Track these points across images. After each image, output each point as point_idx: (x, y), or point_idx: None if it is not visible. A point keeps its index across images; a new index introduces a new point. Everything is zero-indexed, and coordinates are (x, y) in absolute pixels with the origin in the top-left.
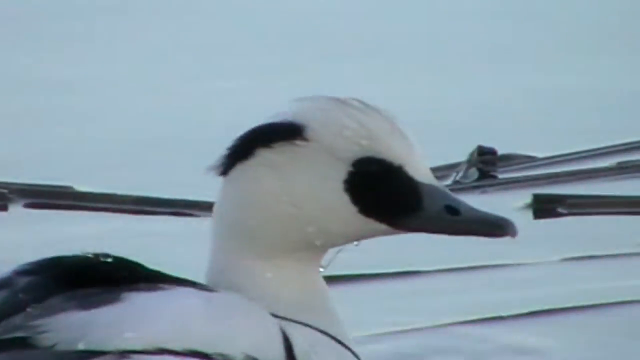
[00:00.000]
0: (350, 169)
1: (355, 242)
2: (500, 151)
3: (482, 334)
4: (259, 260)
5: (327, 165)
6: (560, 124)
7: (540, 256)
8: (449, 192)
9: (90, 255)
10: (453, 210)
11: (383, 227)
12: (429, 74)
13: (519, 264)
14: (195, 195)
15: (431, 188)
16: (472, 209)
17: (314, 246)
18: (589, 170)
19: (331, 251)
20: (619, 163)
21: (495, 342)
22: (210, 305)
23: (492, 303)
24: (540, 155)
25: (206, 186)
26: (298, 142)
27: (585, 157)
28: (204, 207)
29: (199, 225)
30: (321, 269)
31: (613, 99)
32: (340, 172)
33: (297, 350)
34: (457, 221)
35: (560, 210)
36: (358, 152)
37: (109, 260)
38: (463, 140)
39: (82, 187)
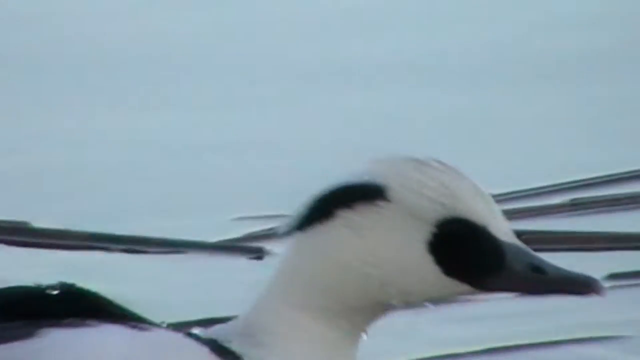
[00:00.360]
0: (434, 229)
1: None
2: None
3: None
4: (314, 315)
5: (409, 226)
6: (515, 160)
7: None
8: (532, 251)
9: (35, 286)
10: (538, 269)
11: (466, 287)
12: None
13: (474, 300)
14: (148, 231)
15: (515, 248)
16: (557, 268)
17: (388, 305)
18: (543, 206)
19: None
20: (573, 200)
21: None
22: (133, 346)
23: (447, 339)
24: (495, 192)
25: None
26: (379, 203)
27: (539, 194)
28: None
29: (151, 262)
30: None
31: (566, 136)
32: (423, 233)
33: None
34: (542, 280)
35: None
36: (440, 213)
37: (55, 292)
38: None
39: (38, 222)
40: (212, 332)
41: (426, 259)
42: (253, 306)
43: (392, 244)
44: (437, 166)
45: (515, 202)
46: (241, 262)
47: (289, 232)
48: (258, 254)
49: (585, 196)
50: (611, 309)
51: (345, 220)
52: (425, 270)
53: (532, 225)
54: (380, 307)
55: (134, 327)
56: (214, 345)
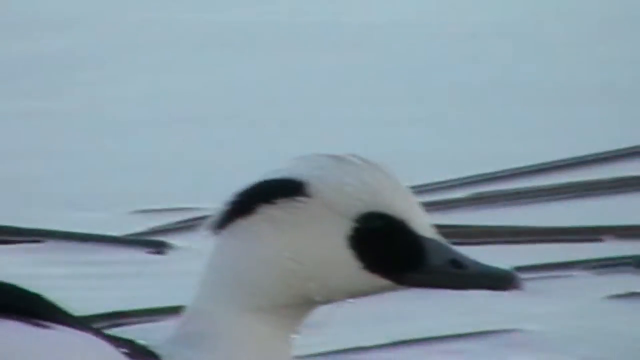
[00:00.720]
0: (354, 224)
1: (352, 299)
2: None
3: None
4: (242, 313)
5: (330, 221)
6: (419, 154)
7: None
8: (453, 246)
9: None
10: (458, 264)
11: (387, 282)
12: None
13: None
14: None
15: (435, 243)
16: (476, 263)
17: (311, 301)
18: (447, 200)
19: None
20: (476, 193)
21: None
22: (37, 342)
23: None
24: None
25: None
26: (299, 198)
27: (442, 188)
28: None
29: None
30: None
31: (469, 130)
32: (343, 228)
33: None
34: (462, 275)
35: None
36: (361, 208)
37: None
38: None
39: None
40: (149, 338)
41: (347, 254)
42: (187, 308)
43: (313, 239)
44: (357, 162)
45: (419, 196)
46: (144, 256)
47: (211, 231)
48: (160, 248)
49: (488, 190)
50: (512, 302)
51: (266, 216)
52: (346, 265)
53: (436, 219)
54: (307, 304)
55: (38, 325)
56: (131, 346)
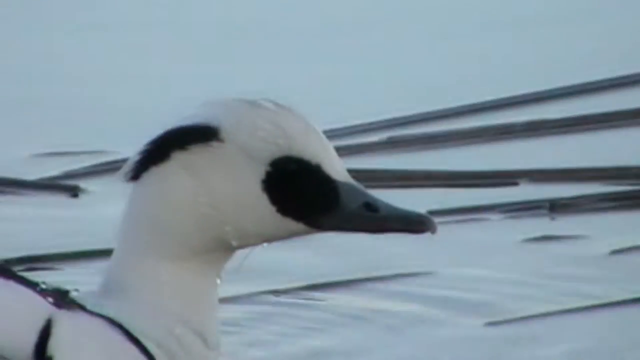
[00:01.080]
0: (268, 168)
1: (266, 244)
2: None
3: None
4: (162, 261)
5: (244, 165)
6: (330, 98)
7: None
8: (366, 190)
9: None
10: (372, 207)
11: (301, 226)
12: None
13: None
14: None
15: (349, 186)
16: (390, 206)
17: (227, 246)
18: (360, 144)
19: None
20: (389, 137)
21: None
22: None
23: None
24: None
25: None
26: (213, 143)
27: (356, 132)
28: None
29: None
30: (218, 281)
31: (383, 74)
32: (257, 172)
33: (55, 340)
34: (376, 218)
35: None
36: (275, 152)
37: None
38: None
39: None
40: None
41: (261, 198)
42: (109, 265)
43: (227, 183)
44: (270, 107)
45: (332, 140)
46: (57, 200)
47: (125, 180)
48: (74, 192)
49: (401, 134)
50: (425, 245)
51: (180, 162)
52: (261, 209)
53: (350, 163)
54: (224, 249)
55: None
56: (57, 296)
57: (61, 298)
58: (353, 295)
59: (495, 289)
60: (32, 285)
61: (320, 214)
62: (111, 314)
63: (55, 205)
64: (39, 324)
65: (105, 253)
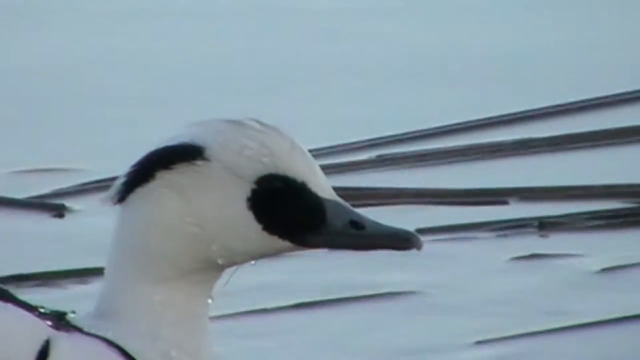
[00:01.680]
0: (253, 186)
1: (253, 262)
2: None
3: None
4: (153, 283)
5: (230, 184)
6: (320, 116)
7: None
8: (352, 208)
9: None
10: (358, 225)
11: (287, 244)
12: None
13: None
14: None
15: (334, 204)
16: (376, 224)
17: (215, 265)
18: (349, 162)
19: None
20: (378, 155)
21: None
22: None
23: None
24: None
25: None
26: (198, 162)
27: (345, 150)
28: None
29: None
30: (210, 301)
31: (372, 92)
32: (243, 190)
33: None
34: (362, 236)
35: None
36: (260, 170)
37: None
38: None
39: None
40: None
41: (247, 216)
42: (101, 291)
43: (213, 202)
44: (255, 126)
45: (322, 159)
46: (43, 219)
47: (111, 202)
48: (60, 211)
49: (392, 152)
50: (416, 264)
51: (165, 182)
52: (247, 227)
53: (339, 181)
54: (212, 268)
55: None
56: (55, 318)
57: (59, 320)
58: (341, 314)
59: (485, 308)
60: (31, 308)
61: (306, 231)
62: (108, 335)
63: (41, 224)
64: (37, 346)
65: (92, 271)
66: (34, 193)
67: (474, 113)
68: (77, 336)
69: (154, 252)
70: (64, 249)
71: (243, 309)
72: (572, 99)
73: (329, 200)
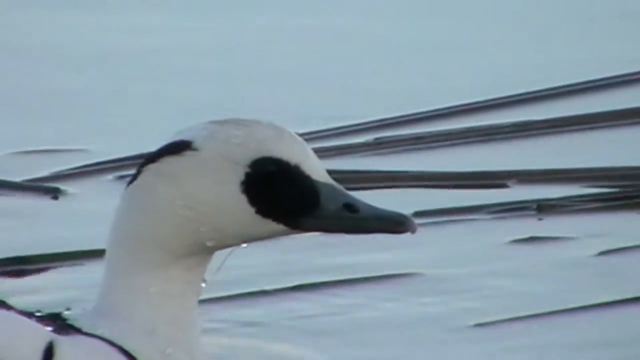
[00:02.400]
0: (247, 170)
1: (245, 245)
2: None
3: None
4: (146, 275)
5: (223, 168)
6: (317, 99)
7: None
8: (346, 191)
9: None
10: (352, 208)
11: (281, 227)
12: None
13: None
14: None
15: (329, 187)
16: (370, 207)
17: (204, 248)
18: (347, 145)
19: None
20: (376, 138)
21: None
22: None
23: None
24: (298, 130)
25: None
26: (187, 153)
27: (343, 133)
28: None
29: None
30: (203, 285)
31: (370, 75)
32: (237, 174)
33: None
34: (356, 219)
35: None
36: (253, 154)
37: None
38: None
39: None
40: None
41: (240, 199)
42: (99, 290)
43: (205, 186)
44: (238, 120)
45: (319, 142)
46: (37, 202)
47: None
48: (54, 194)
49: (388, 135)
50: (413, 246)
51: (154, 171)
52: (240, 210)
53: (337, 164)
54: (202, 251)
55: None
56: (55, 322)
57: (58, 323)
58: (340, 296)
59: (484, 290)
60: (28, 314)
61: (300, 214)
62: (106, 334)
63: (35, 206)
64: (40, 350)
65: (87, 254)
66: (31, 176)
67: (471, 96)
68: (78, 338)
69: (145, 238)
70: (60, 231)
71: (243, 290)
72: (570, 81)
73: (322, 183)
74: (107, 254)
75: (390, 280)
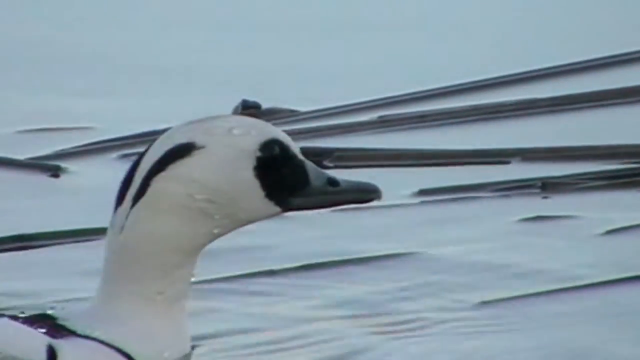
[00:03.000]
0: (258, 154)
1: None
2: (265, 105)
3: None
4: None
5: (235, 157)
6: (322, 77)
7: None
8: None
9: None
10: (334, 182)
11: (277, 209)
12: (195, 25)
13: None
14: None
15: (312, 165)
16: (345, 180)
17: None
18: (352, 124)
19: None
20: (381, 116)
21: None
22: None
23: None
24: (303, 109)
25: None
26: (195, 152)
27: (347, 111)
28: None
29: None
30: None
31: (375, 53)
32: (249, 161)
33: None
34: (338, 192)
35: (326, 163)
36: (259, 139)
37: None
38: (227, 94)
39: None
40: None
41: (255, 184)
42: (96, 296)
43: (224, 177)
44: (218, 117)
45: (323, 120)
46: (38, 180)
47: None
48: (55, 172)
49: (392, 113)
50: (416, 224)
51: (166, 178)
52: (255, 194)
53: (341, 142)
54: (207, 243)
55: None
56: (47, 324)
57: (49, 324)
58: (343, 276)
59: (488, 269)
60: (14, 318)
61: (294, 194)
62: (103, 337)
63: (37, 185)
64: (42, 355)
65: (88, 232)
66: (33, 154)
67: (476, 74)
68: (75, 341)
69: (161, 244)
70: (60, 209)
71: (249, 270)
72: (574, 59)
73: (307, 162)
74: (107, 265)
75: (394, 259)
